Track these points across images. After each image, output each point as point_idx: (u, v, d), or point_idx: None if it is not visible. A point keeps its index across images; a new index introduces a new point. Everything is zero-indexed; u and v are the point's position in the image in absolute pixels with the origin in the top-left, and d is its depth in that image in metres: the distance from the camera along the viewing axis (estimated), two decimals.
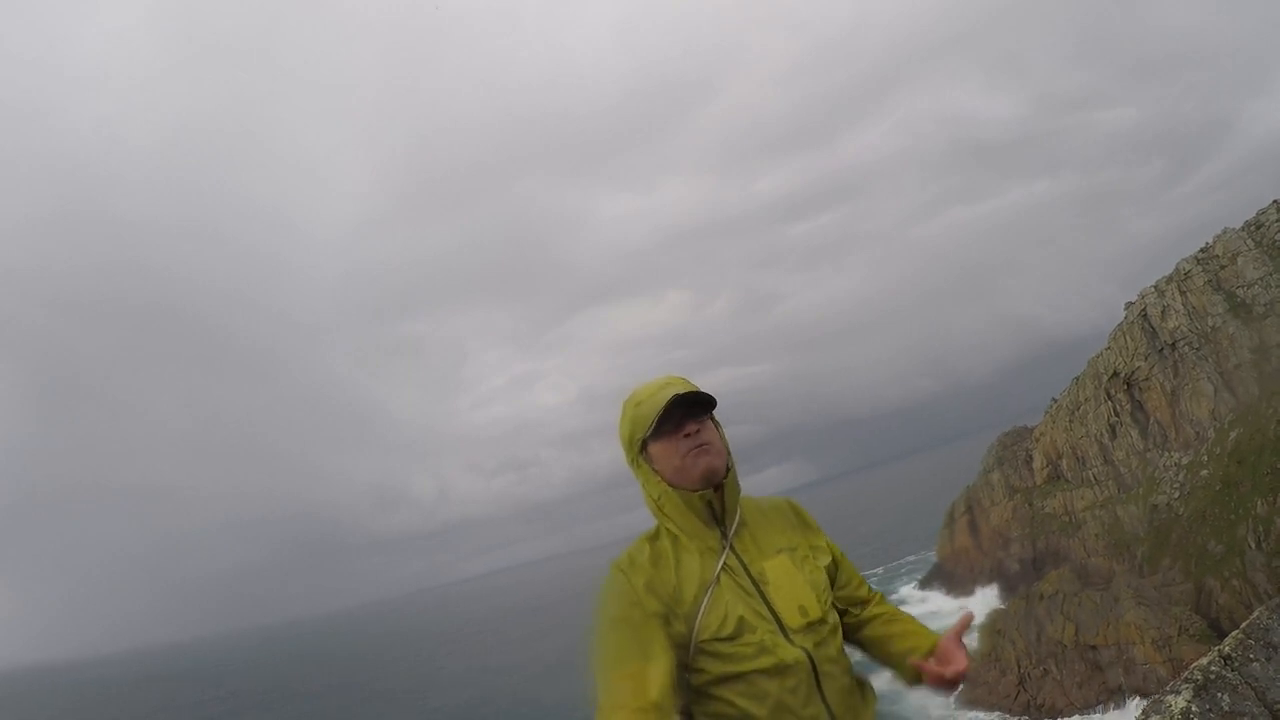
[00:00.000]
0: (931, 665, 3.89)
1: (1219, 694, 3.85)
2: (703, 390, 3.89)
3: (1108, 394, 48.20)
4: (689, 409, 3.89)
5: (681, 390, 3.89)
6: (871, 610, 3.91)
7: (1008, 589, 50.84)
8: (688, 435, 3.89)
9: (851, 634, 3.91)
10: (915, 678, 3.91)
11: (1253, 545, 33.42)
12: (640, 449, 3.89)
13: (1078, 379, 52.70)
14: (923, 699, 42.38)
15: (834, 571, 3.91)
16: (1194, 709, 3.84)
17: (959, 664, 3.88)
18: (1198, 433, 42.45)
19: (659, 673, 3.88)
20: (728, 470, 3.89)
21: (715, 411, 3.92)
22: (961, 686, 3.93)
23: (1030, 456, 55.34)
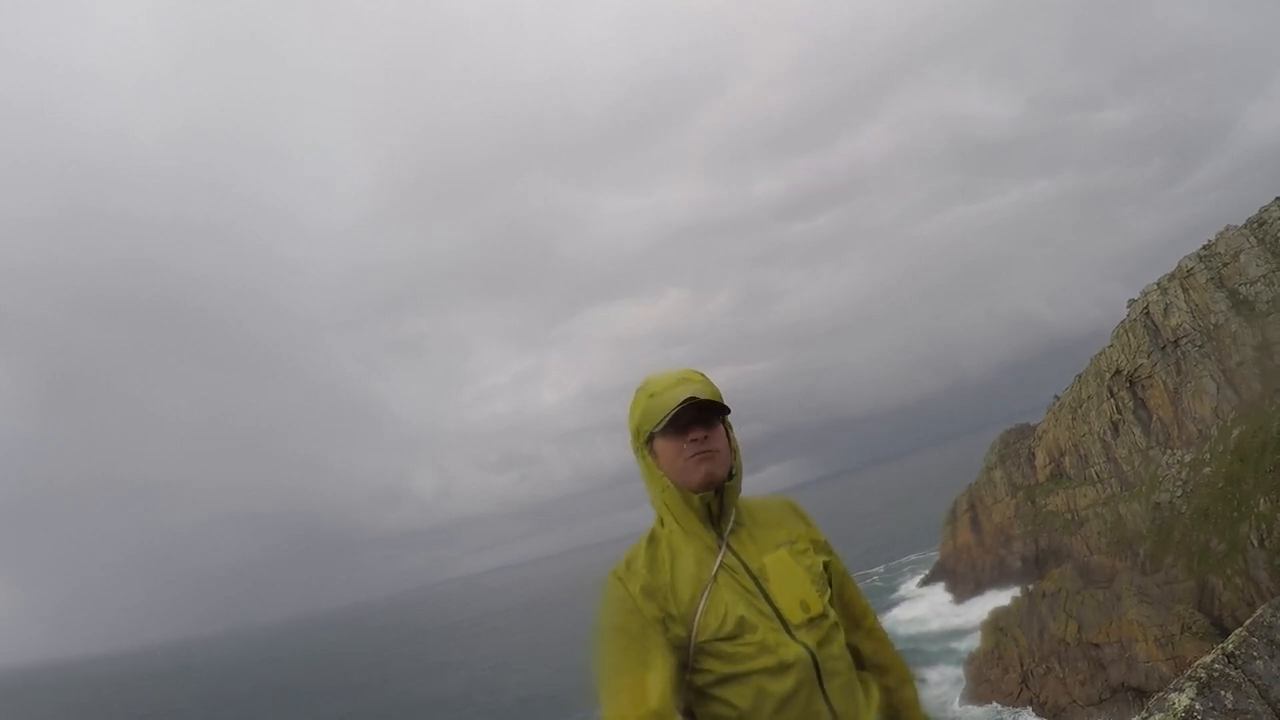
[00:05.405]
0: None
1: (1222, 692, 3.84)
2: (718, 390, 3.89)
3: (1110, 391, 48.19)
4: (700, 413, 3.90)
5: (696, 393, 3.89)
6: (859, 641, 3.93)
7: (1010, 587, 50.83)
8: (693, 440, 3.90)
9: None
10: None
11: (1255, 543, 33.42)
12: (647, 440, 3.91)
13: (1080, 376, 52.69)
14: (924, 696, 42.48)
15: (831, 578, 3.92)
16: (1197, 707, 3.84)
17: None
18: (1200, 430, 42.42)
19: (658, 680, 3.90)
20: (731, 475, 3.90)
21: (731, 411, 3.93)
22: None
23: (1032, 454, 55.33)
